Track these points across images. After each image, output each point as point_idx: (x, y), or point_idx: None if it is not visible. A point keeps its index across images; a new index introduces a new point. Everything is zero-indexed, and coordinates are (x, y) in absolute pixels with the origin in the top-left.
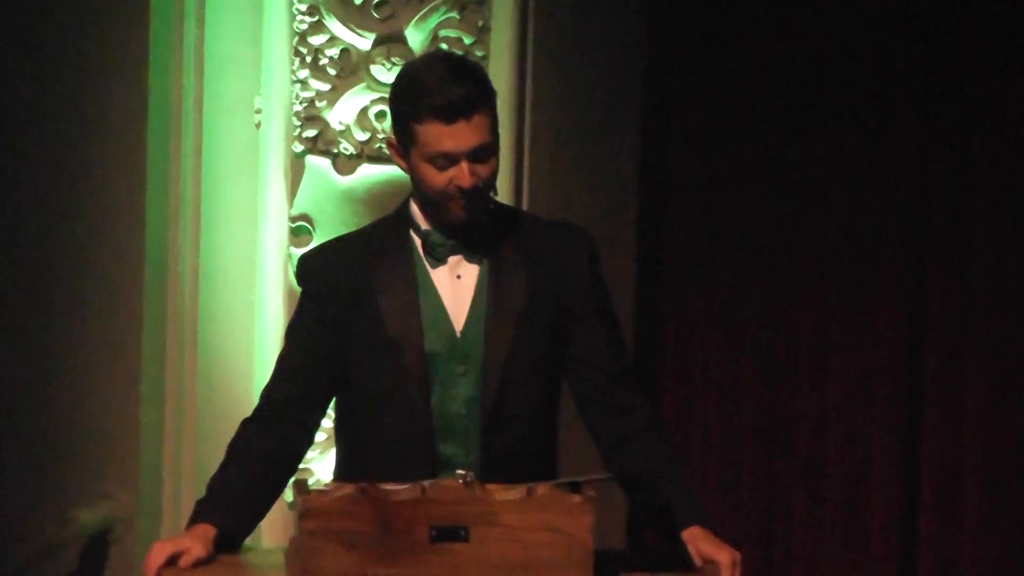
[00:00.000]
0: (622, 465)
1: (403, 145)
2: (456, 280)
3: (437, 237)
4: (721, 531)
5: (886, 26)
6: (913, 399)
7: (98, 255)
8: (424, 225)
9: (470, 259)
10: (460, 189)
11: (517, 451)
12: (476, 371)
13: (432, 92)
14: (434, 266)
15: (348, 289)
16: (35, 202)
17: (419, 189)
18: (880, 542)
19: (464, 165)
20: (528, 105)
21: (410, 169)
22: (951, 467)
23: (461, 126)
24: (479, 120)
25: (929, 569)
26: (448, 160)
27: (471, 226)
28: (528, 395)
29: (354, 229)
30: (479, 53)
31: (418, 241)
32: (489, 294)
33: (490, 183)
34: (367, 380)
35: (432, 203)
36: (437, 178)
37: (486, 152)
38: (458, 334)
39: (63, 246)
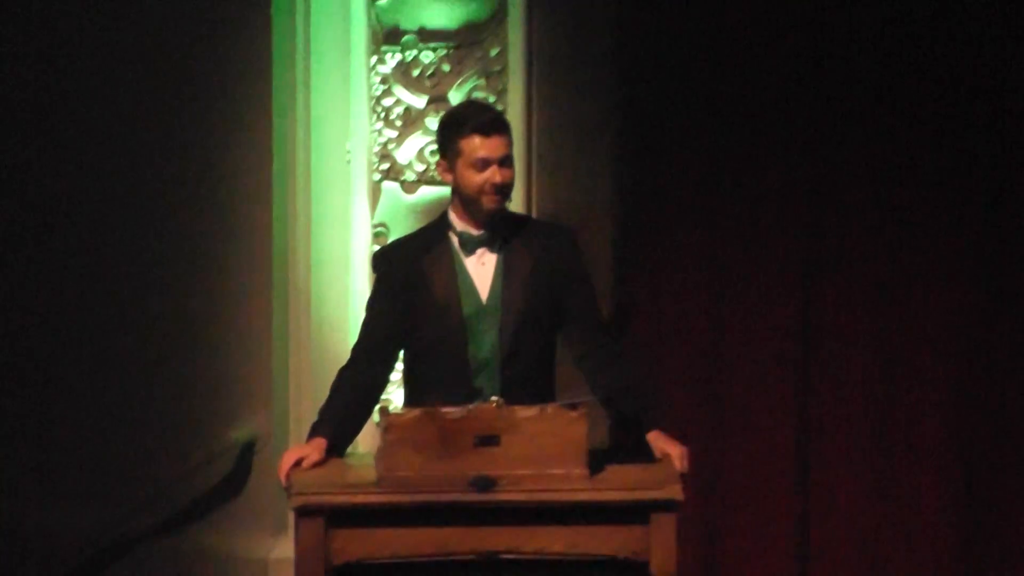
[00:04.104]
0: (602, 387)
1: (450, 160)
2: (482, 265)
3: (468, 236)
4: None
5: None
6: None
7: (241, 257)
8: (459, 227)
9: (491, 250)
10: (493, 185)
11: (527, 381)
12: (496, 328)
13: (473, 116)
14: (466, 255)
15: (408, 273)
16: (195, 227)
17: (460, 190)
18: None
19: (495, 168)
20: (535, 138)
21: (455, 178)
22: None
23: (495, 139)
24: (505, 138)
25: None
26: (484, 164)
27: (495, 215)
28: (533, 343)
29: (411, 232)
30: (499, 107)
31: (455, 239)
32: (504, 275)
33: (510, 184)
34: (423, 336)
35: (470, 199)
36: (476, 178)
37: (509, 161)
38: (484, 301)
39: (216, 252)
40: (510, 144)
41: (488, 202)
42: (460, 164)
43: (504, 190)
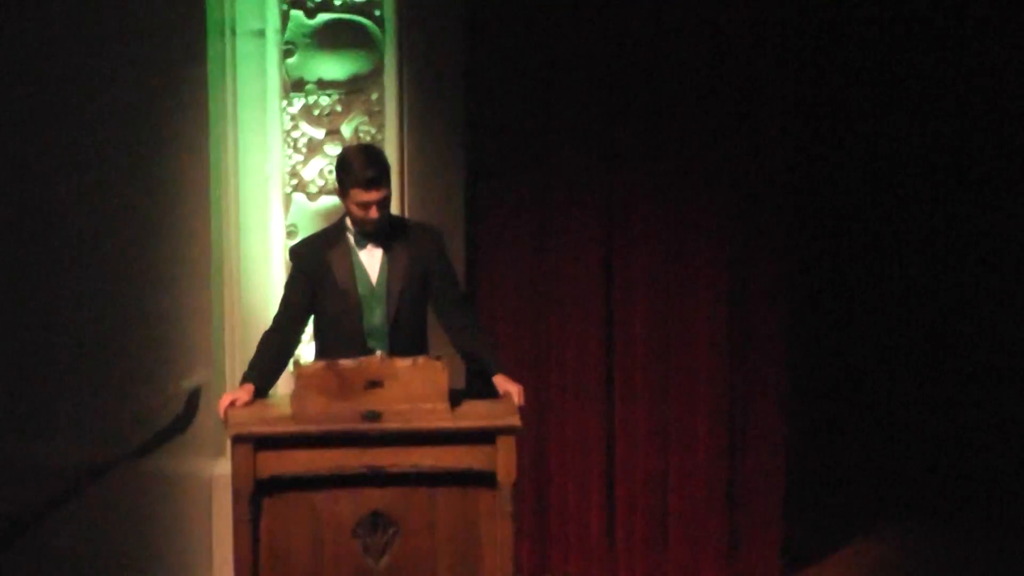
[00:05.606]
0: (461, 345)
1: (342, 193)
2: (372, 257)
3: (360, 235)
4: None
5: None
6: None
7: (189, 254)
8: (355, 229)
9: (376, 246)
10: (370, 220)
11: (407, 343)
12: (384, 304)
13: (358, 172)
14: (360, 249)
15: (316, 262)
16: (155, 232)
17: (348, 215)
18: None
19: (373, 208)
20: (406, 163)
21: (344, 204)
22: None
23: (373, 192)
24: (383, 190)
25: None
26: (365, 207)
27: (375, 235)
28: (411, 315)
29: (317, 231)
30: (379, 137)
31: (351, 237)
32: (389, 264)
33: (386, 217)
34: (328, 310)
35: (355, 223)
36: (359, 212)
37: (385, 203)
38: (374, 285)
39: (171, 252)
40: (387, 189)
41: (367, 229)
42: (347, 200)
43: (379, 223)
